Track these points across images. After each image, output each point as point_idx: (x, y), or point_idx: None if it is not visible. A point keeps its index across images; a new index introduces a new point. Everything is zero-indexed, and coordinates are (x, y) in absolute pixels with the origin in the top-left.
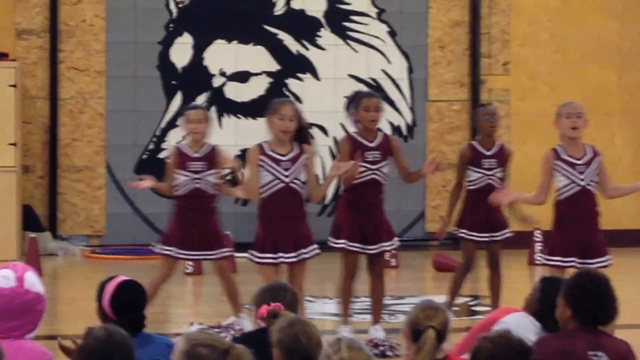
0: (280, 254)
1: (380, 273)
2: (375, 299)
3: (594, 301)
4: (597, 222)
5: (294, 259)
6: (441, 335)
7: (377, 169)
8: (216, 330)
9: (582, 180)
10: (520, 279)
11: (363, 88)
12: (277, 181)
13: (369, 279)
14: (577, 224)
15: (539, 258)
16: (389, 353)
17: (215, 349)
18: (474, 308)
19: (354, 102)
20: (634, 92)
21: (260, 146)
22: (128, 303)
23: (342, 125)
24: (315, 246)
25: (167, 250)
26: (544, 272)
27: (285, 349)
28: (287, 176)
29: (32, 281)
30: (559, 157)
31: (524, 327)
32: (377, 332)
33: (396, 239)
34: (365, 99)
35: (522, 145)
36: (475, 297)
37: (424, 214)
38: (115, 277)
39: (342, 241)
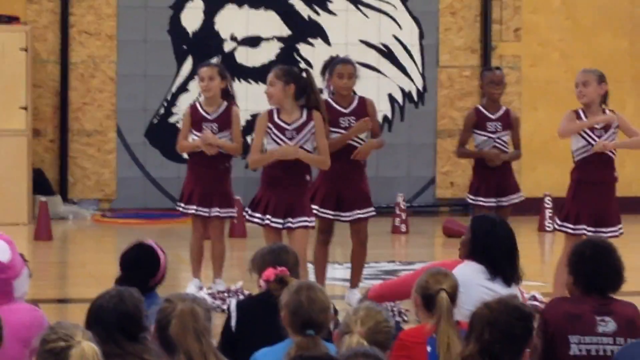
0: (268, 217)
1: (363, 240)
2: (355, 263)
3: (592, 268)
4: (612, 188)
5: (280, 225)
6: (452, 299)
7: None
8: (225, 294)
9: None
10: (530, 245)
11: (372, 53)
12: None
13: (352, 244)
14: (589, 188)
15: (549, 223)
16: (397, 319)
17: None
18: None
19: (329, 67)
20: None
21: (269, 113)
22: (130, 263)
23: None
24: (306, 219)
25: (187, 209)
26: (555, 238)
27: (290, 312)
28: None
29: None
30: (579, 118)
31: (470, 276)
32: (354, 296)
33: (372, 207)
34: (340, 65)
35: (533, 112)
36: None
37: (434, 180)
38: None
39: (314, 206)
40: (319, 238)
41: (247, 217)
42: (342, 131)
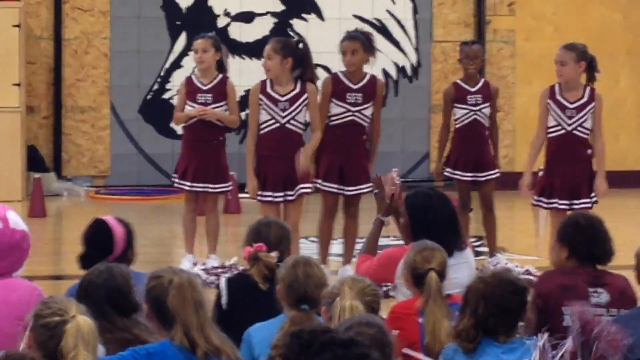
0: (269, 193)
1: (355, 214)
2: (347, 239)
3: (589, 237)
4: (585, 165)
5: (280, 199)
6: (441, 275)
7: (357, 111)
8: (219, 270)
9: (569, 125)
10: (525, 219)
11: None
12: (273, 121)
13: (343, 219)
14: (562, 165)
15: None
16: (392, 293)
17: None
18: (478, 249)
19: (341, 43)
20: (639, 33)
21: (261, 84)
22: (85, 240)
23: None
24: (302, 186)
25: (182, 184)
26: (546, 213)
27: (285, 286)
28: (283, 117)
29: (16, 220)
30: (552, 96)
31: None
32: (347, 273)
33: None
34: (344, 42)
35: (527, 86)
36: (480, 238)
37: (429, 155)
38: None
39: (318, 180)
40: (324, 212)
41: (259, 199)
42: (348, 106)
